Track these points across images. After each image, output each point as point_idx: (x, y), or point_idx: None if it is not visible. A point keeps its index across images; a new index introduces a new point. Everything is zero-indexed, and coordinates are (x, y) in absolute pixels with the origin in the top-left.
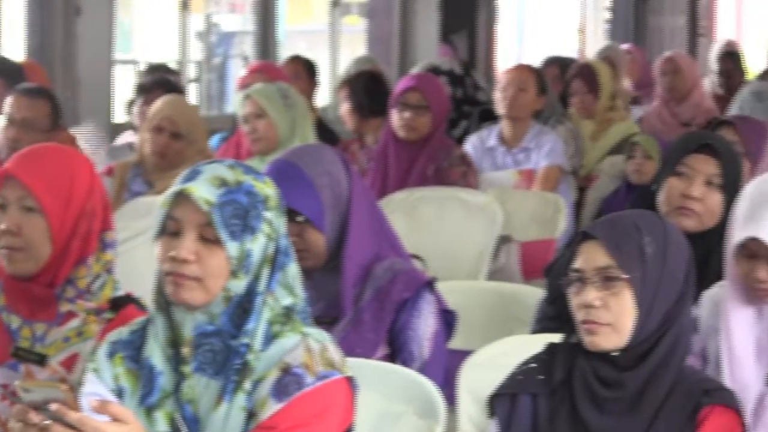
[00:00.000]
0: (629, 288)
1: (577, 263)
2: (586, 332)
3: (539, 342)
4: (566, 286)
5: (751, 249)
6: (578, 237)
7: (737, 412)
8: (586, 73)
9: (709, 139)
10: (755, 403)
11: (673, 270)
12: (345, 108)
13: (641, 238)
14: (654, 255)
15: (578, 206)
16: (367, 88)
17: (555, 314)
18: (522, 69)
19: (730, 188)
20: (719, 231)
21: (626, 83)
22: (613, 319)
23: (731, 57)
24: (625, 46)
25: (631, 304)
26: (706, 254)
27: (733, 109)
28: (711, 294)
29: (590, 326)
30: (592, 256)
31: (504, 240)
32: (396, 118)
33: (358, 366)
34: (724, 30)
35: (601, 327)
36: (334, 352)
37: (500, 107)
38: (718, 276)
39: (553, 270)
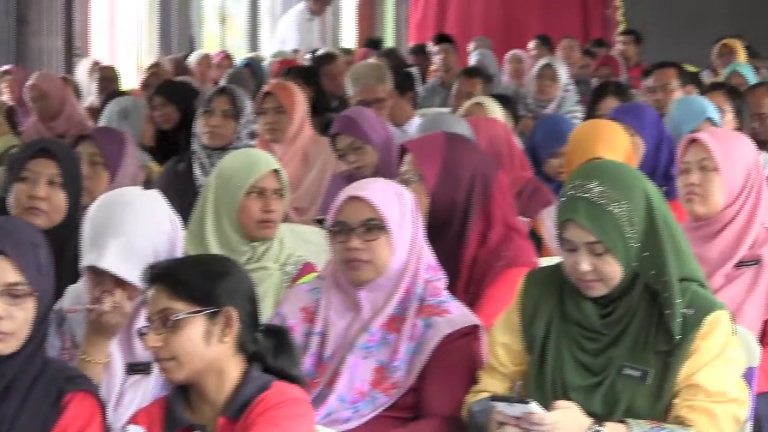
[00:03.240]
0: (34, 301)
1: None
2: None
3: None
4: None
5: None
6: None
7: (97, 397)
8: None
9: (46, 144)
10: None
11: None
12: None
13: (37, 250)
14: (48, 264)
15: None
16: None
17: None
18: None
19: (71, 186)
20: (68, 225)
21: (6, 98)
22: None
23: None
24: (6, 67)
25: (33, 314)
26: (61, 247)
27: (101, 123)
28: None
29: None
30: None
31: None
32: None
33: None
34: (98, 50)
35: (5, 336)
36: None
37: None
38: (74, 267)
39: None
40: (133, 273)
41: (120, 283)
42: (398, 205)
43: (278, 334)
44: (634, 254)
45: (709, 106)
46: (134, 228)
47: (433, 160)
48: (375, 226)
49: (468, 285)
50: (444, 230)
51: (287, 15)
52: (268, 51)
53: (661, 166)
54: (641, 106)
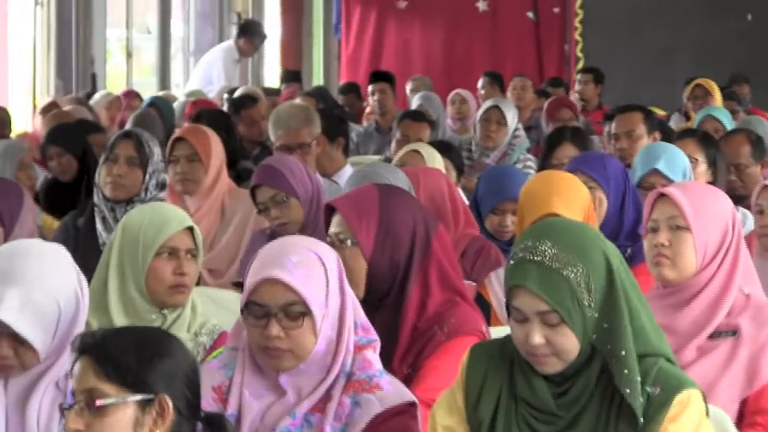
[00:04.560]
0: None
1: None
2: None
3: None
4: None
5: None
6: None
7: None
8: None
9: None
10: None
11: None
12: None
13: None
14: None
15: None
16: None
17: None
18: None
19: None
20: None
21: None
22: None
23: None
24: None
25: None
26: None
27: None
28: None
29: None
30: None
31: None
32: None
33: None
34: None
35: None
36: None
37: None
38: None
39: None
40: (30, 330)
41: (15, 341)
42: (323, 277)
43: (219, 425)
44: (592, 325)
45: (665, 154)
46: (36, 280)
47: (369, 221)
48: (297, 311)
49: (406, 356)
50: (383, 299)
51: (212, 53)
52: (179, 90)
53: (626, 225)
54: (603, 156)
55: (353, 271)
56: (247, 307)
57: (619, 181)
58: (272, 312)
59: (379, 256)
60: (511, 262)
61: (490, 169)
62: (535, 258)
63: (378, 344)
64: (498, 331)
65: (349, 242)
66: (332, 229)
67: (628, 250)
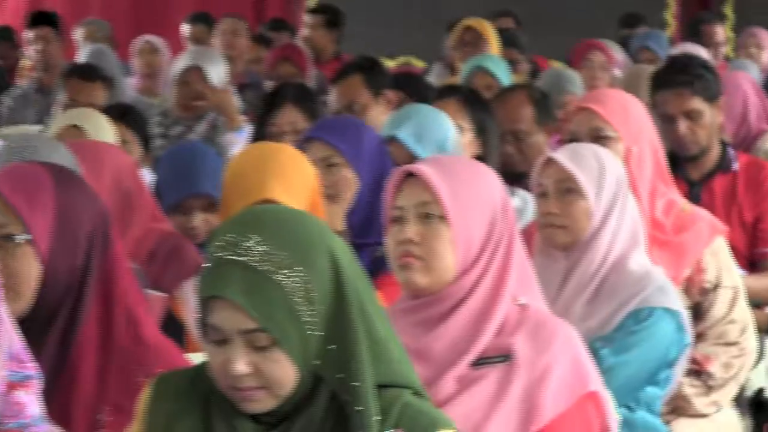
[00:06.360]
0: None
1: None
2: None
3: None
4: None
5: None
6: None
7: None
8: None
9: None
10: None
11: None
12: None
13: None
14: None
15: None
16: None
17: None
18: None
19: None
20: None
21: None
22: None
23: None
24: None
25: None
26: None
27: None
28: None
29: None
30: None
31: None
32: None
33: None
34: None
35: None
36: None
37: None
38: None
39: None
40: None
41: None
42: None
43: None
44: (315, 347)
45: (414, 118)
46: None
47: (45, 211)
48: None
49: (100, 397)
50: (53, 317)
51: None
52: None
53: (381, 216)
54: (356, 123)
55: (19, 276)
56: None
57: (375, 157)
58: None
59: (57, 258)
60: (207, 265)
61: (173, 150)
62: (238, 258)
63: (37, 381)
64: (198, 358)
65: (18, 238)
66: None
67: (380, 249)
